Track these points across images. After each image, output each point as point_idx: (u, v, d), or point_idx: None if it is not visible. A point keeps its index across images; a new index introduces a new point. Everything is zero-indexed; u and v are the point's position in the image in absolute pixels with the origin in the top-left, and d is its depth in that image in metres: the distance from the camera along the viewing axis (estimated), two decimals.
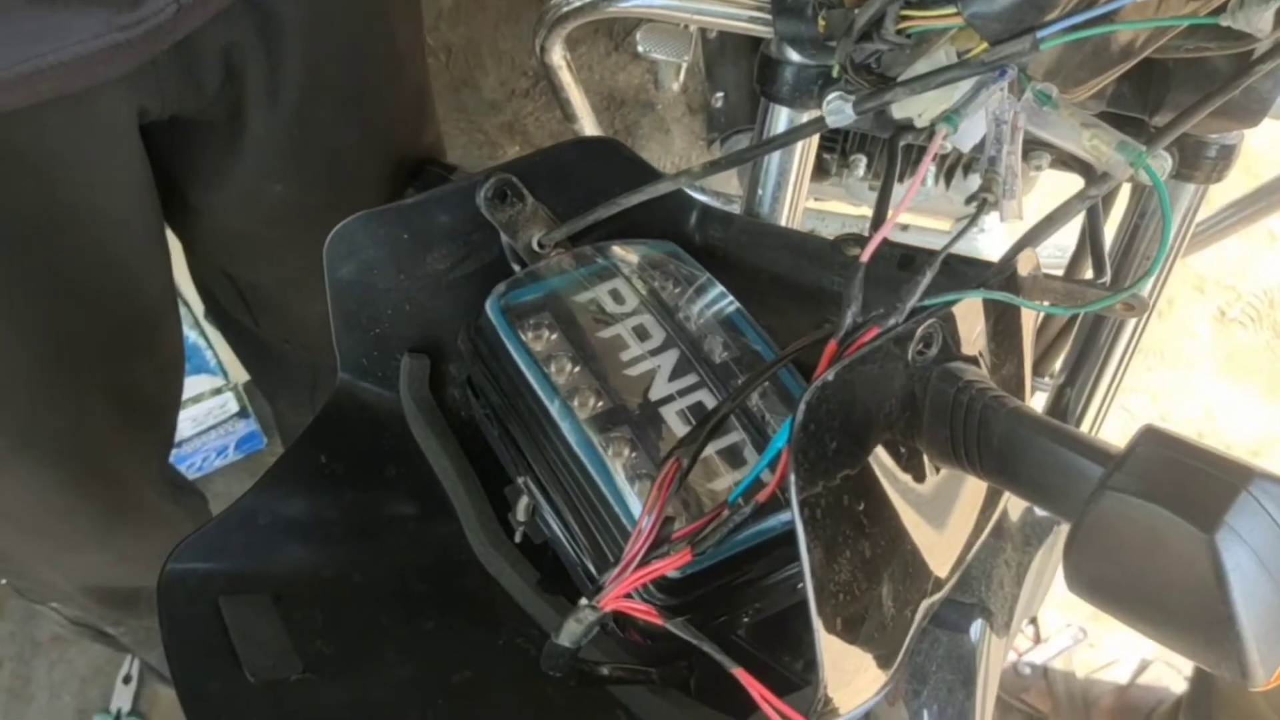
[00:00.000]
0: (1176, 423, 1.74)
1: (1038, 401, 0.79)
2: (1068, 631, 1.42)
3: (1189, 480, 0.34)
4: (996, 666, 0.62)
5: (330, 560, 0.59)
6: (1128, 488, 0.35)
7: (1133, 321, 0.65)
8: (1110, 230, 0.66)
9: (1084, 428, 0.72)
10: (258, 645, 0.53)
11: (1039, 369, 0.80)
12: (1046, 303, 0.41)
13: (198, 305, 1.51)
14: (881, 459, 0.42)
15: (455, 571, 0.60)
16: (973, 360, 0.43)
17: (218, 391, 1.43)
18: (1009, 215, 0.41)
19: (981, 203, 0.39)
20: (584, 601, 0.40)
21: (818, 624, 0.35)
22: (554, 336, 0.57)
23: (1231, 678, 0.36)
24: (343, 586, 0.58)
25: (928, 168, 0.40)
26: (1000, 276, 0.42)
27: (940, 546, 0.50)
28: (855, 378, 0.38)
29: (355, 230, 0.59)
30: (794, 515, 0.34)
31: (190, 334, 1.51)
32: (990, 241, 1.18)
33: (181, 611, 0.52)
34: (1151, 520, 0.34)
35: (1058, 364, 0.77)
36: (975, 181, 1.07)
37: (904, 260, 0.50)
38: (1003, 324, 0.44)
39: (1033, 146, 0.48)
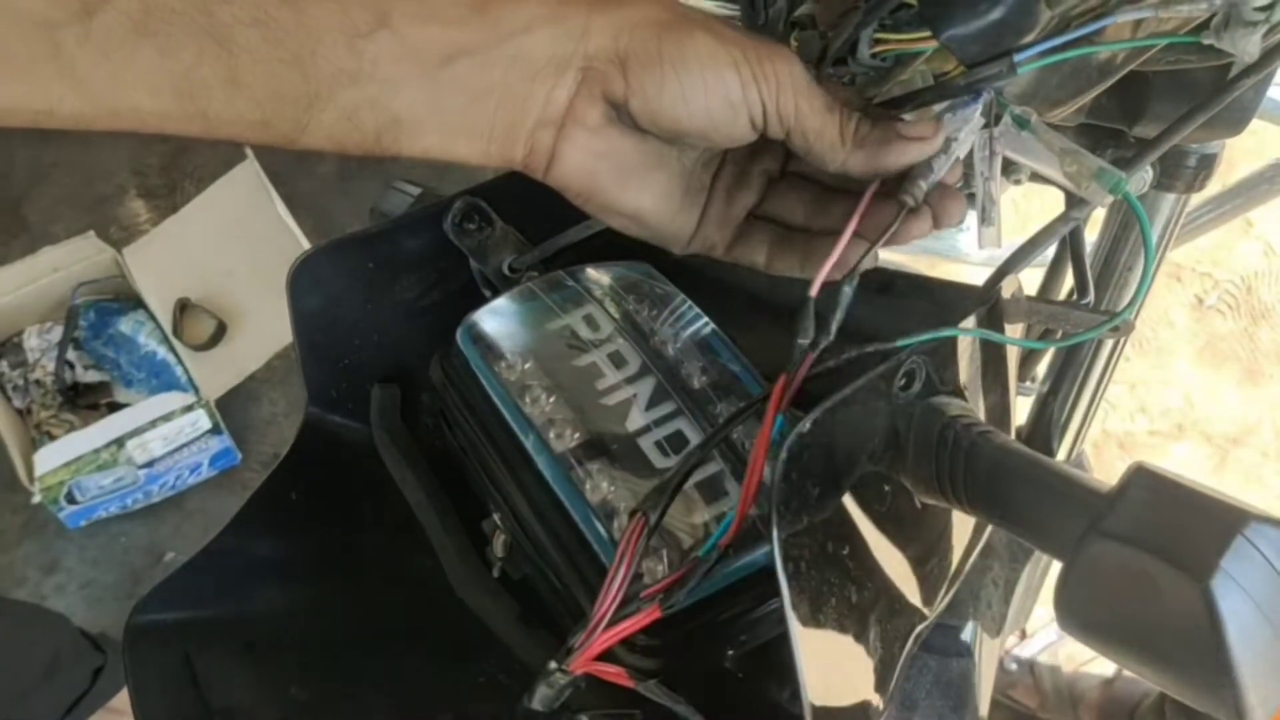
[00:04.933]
0: (1155, 412, 1.74)
1: (1021, 408, 0.78)
2: (1053, 626, 1.41)
3: (1181, 525, 0.33)
4: (987, 685, 0.61)
5: (304, 601, 0.57)
6: (1118, 533, 0.34)
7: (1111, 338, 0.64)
8: (1089, 237, 0.65)
9: (1068, 437, 0.71)
10: (231, 698, 0.51)
11: (1021, 374, 0.79)
12: (1044, 335, 0.40)
13: (167, 322, 1.49)
14: (866, 497, 0.41)
15: (433, 606, 0.59)
16: (957, 393, 0.42)
17: (189, 409, 1.40)
18: (987, 243, 0.40)
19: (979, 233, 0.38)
20: (553, 664, 0.38)
21: (805, 679, 0.34)
22: (527, 366, 0.56)
23: None
24: (317, 628, 0.57)
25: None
26: (984, 306, 0.41)
27: (927, 575, 0.48)
28: (838, 419, 0.37)
29: (319, 261, 0.57)
30: (778, 572, 0.33)
31: (159, 350, 1.49)
32: (970, 240, 1.16)
33: (150, 665, 0.51)
34: (1144, 566, 0.33)
35: (1040, 369, 0.76)
36: None
37: (882, 285, 0.49)
38: (988, 353, 0.43)
39: (1012, 161, 0.46)
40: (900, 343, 0.38)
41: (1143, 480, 0.35)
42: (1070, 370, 0.68)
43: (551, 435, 0.52)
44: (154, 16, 0.34)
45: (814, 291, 0.39)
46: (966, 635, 0.59)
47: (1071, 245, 0.49)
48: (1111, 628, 0.36)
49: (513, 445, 0.54)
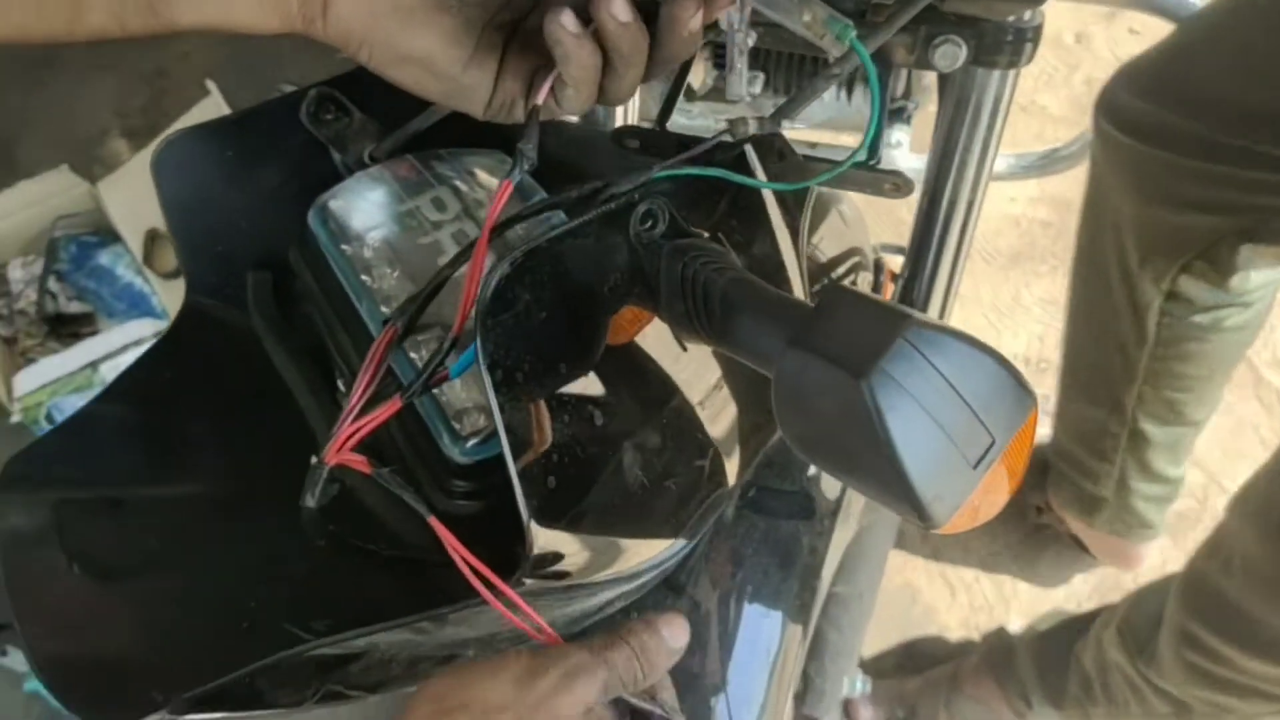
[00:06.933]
0: None
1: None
2: None
3: (853, 332, 0.36)
4: (825, 550, 0.64)
5: (174, 468, 0.61)
6: (803, 343, 0.37)
7: (961, 213, 0.66)
8: None
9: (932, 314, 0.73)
10: (90, 544, 0.55)
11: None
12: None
13: (139, 252, 1.54)
14: (619, 332, 0.44)
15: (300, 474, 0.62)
16: (711, 239, 0.44)
17: (159, 334, 1.45)
18: (734, 91, 0.42)
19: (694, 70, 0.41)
20: (314, 459, 0.42)
21: (514, 473, 0.37)
22: (375, 245, 0.59)
23: (914, 522, 0.38)
24: (184, 492, 0.61)
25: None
26: (727, 155, 0.43)
27: (725, 434, 0.51)
28: (568, 250, 0.40)
29: (179, 147, 0.60)
30: (482, 373, 0.36)
31: (136, 280, 1.54)
32: (904, 156, 1.18)
33: (15, 507, 0.55)
34: (821, 372, 0.36)
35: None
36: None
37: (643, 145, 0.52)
38: (742, 201, 0.45)
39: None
40: (628, 182, 0.41)
41: (832, 297, 0.38)
42: (924, 252, 0.69)
43: (393, 307, 0.56)
44: None
45: (539, 99, 0.41)
46: (798, 500, 0.62)
47: (874, 108, 0.51)
48: (814, 436, 0.39)
49: (354, 317, 0.57)
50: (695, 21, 0.39)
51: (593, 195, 0.41)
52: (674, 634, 0.48)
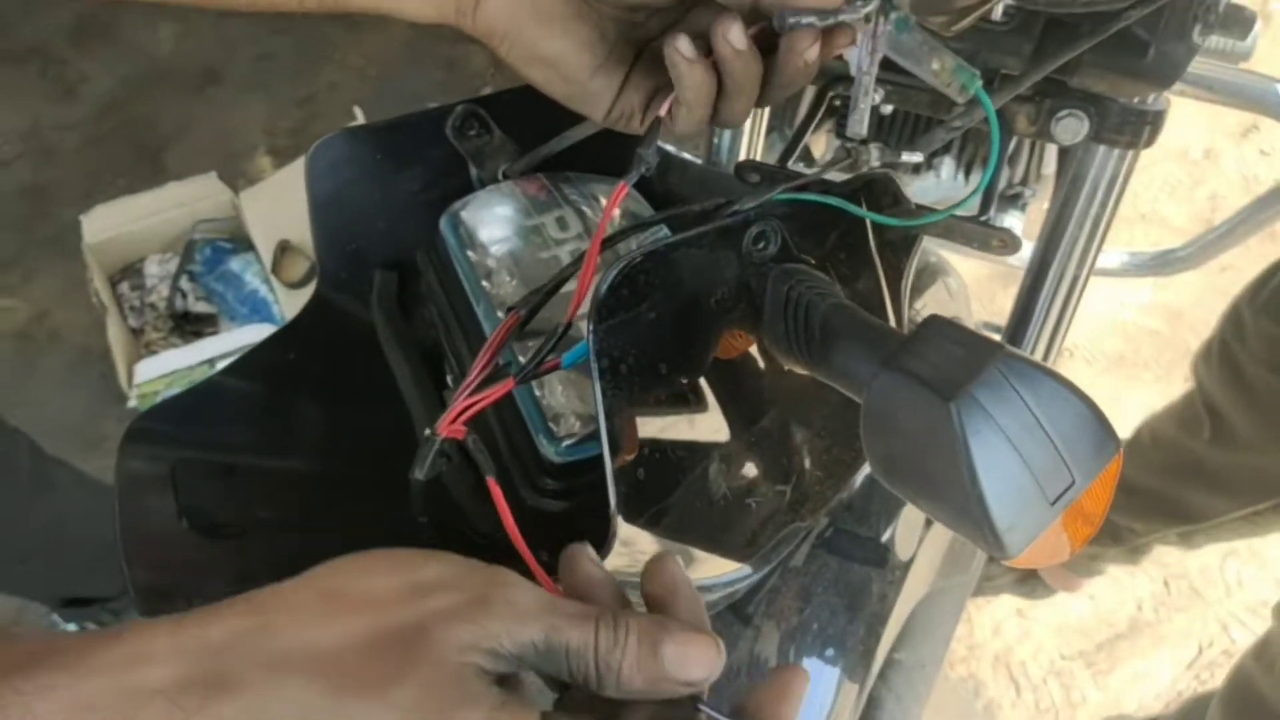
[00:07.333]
0: None
1: None
2: None
3: (946, 357, 0.37)
4: (893, 601, 0.64)
5: (286, 444, 0.65)
6: (896, 365, 0.38)
7: (1064, 292, 0.66)
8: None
9: None
10: (201, 502, 0.59)
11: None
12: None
13: (269, 260, 1.62)
14: (726, 349, 0.46)
15: (400, 465, 0.66)
16: (819, 266, 0.46)
17: None
18: (854, 129, 0.44)
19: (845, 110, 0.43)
20: (428, 430, 0.45)
21: (607, 450, 0.39)
22: (499, 255, 0.62)
23: (986, 550, 0.39)
24: (293, 467, 0.64)
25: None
26: (842, 189, 0.45)
27: (810, 468, 0.53)
28: (682, 259, 0.42)
29: (334, 146, 0.65)
30: (590, 351, 0.39)
31: (261, 288, 1.62)
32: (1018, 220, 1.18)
33: (138, 459, 0.59)
34: (910, 393, 0.38)
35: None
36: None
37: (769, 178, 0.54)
38: (850, 237, 0.47)
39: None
40: (747, 200, 0.43)
41: (930, 326, 0.39)
42: (1023, 332, 0.70)
43: (504, 312, 0.59)
44: None
45: (663, 111, 0.44)
46: (873, 547, 0.62)
47: (992, 158, 0.53)
48: (898, 458, 0.40)
49: (470, 318, 0.61)
50: (812, 53, 0.42)
51: (713, 211, 0.44)
52: (687, 655, 0.33)
